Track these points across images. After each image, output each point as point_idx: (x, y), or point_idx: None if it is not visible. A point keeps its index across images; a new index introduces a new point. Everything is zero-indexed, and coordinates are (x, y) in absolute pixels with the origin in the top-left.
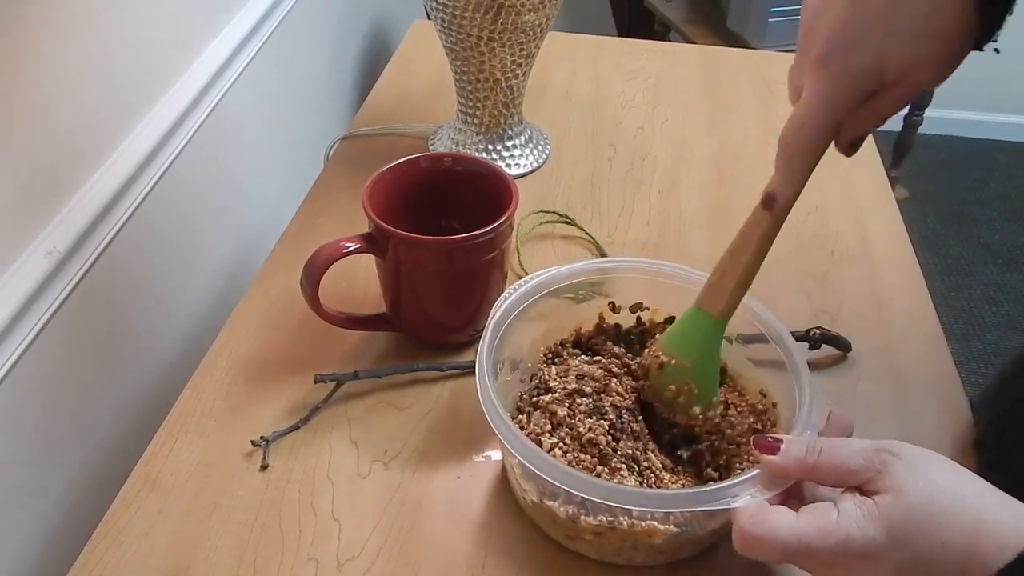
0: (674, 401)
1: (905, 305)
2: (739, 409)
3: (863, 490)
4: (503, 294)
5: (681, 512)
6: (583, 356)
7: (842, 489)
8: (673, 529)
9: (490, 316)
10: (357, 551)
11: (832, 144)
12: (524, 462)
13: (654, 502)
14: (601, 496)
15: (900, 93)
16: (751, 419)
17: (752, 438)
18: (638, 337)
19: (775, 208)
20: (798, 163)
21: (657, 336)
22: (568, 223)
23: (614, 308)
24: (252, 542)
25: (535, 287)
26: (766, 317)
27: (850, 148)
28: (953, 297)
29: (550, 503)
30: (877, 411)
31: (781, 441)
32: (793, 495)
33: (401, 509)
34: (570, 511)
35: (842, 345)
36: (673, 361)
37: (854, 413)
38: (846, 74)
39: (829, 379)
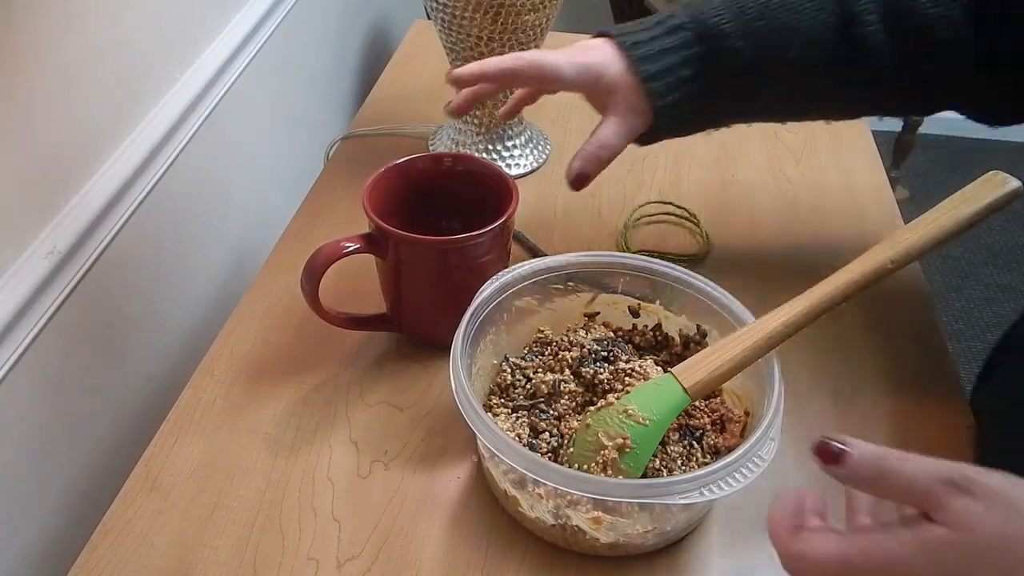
0: (603, 451)
1: (905, 305)
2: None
3: (928, 517)
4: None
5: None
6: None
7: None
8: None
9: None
10: (357, 551)
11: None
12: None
13: (591, 487)
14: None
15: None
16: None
17: (815, 446)
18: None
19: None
20: None
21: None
22: (690, 219)
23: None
24: (252, 542)
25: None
26: (747, 319)
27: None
28: (953, 297)
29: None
30: (876, 412)
31: (847, 450)
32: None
33: (401, 509)
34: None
35: None
36: (631, 410)
37: (853, 414)
38: None
39: (829, 380)
